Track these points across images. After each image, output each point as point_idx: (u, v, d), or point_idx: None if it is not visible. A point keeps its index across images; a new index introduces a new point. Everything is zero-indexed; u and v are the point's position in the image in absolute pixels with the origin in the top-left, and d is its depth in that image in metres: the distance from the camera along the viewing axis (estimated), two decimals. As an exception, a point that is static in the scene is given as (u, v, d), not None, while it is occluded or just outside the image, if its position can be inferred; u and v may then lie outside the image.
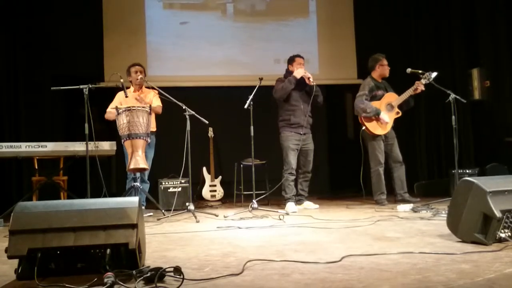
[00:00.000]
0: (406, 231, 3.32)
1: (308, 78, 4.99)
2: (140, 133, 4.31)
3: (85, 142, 4.29)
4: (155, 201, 4.89)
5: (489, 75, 6.31)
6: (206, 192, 5.89)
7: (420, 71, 4.92)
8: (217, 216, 4.47)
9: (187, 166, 4.50)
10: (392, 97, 5.12)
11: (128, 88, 4.78)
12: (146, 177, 5.00)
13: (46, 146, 4.59)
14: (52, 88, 4.54)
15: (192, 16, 6.77)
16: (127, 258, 2.23)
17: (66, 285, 2.04)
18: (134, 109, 4.32)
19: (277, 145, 5.16)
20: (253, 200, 4.71)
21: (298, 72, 5.01)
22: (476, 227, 2.68)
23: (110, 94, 5.01)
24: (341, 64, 7.00)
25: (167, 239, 3.31)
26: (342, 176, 6.81)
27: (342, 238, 3.12)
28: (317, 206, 5.08)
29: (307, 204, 5.10)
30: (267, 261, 2.45)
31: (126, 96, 4.47)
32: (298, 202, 5.09)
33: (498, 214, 2.59)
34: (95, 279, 2.08)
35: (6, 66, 5.87)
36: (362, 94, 5.07)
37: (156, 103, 4.92)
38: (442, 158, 6.67)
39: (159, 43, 6.65)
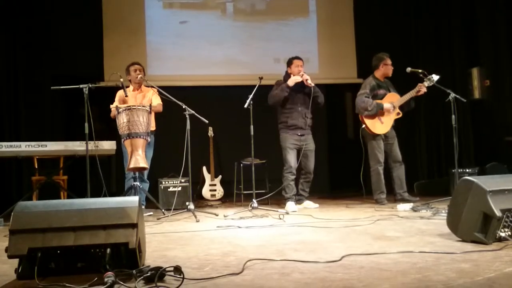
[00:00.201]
0: (406, 230, 3.32)
1: (306, 80, 4.99)
2: (140, 132, 4.30)
3: (85, 142, 4.29)
4: (155, 201, 4.89)
5: (489, 75, 6.31)
6: (206, 192, 5.89)
7: (420, 70, 4.92)
8: (217, 215, 4.47)
9: (187, 165, 4.50)
10: (393, 98, 5.11)
11: (127, 87, 4.78)
12: (145, 177, 5.00)
13: (46, 146, 4.58)
14: (52, 87, 4.55)
15: (192, 15, 6.76)
16: (127, 257, 2.23)
17: (66, 284, 2.04)
18: (134, 108, 4.32)
19: (277, 144, 5.17)
20: (253, 200, 4.72)
21: (292, 80, 4.99)
22: (476, 226, 2.68)
23: (110, 93, 5.01)
24: (341, 64, 6.99)
25: (167, 238, 3.31)
26: (342, 175, 6.81)
27: (342, 238, 3.12)
28: (317, 205, 5.08)
29: (307, 203, 5.10)
30: (267, 260, 2.45)
31: (126, 96, 4.47)
32: (298, 201, 5.09)
33: (498, 213, 2.60)
34: (95, 278, 2.08)
35: (6, 66, 5.86)
36: (363, 93, 5.07)
37: (156, 101, 4.90)
38: (442, 158, 6.67)
39: (159, 42, 6.64)
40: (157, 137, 5.13)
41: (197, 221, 4.13)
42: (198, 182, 5.97)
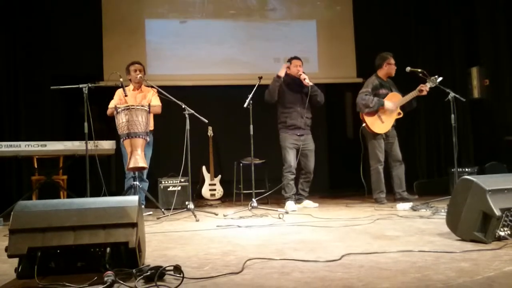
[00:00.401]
0: (405, 229, 3.32)
1: (304, 80, 5.00)
2: (139, 132, 4.29)
3: (84, 141, 4.29)
4: (155, 200, 4.90)
5: (488, 74, 6.31)
6: (205, 191, 5.89)
7: (419, 70, 4.92)
8: (216, 215, 4.48)
9: (186, 165, 4.50)
10: (395, 97, 5.11)
11: (127, 86, 4.78)
12: (144, 176, 4.99)
13: (45, 146, 4.58)
14: (51, 87, 4.55)
15: (192, 15, 6.75)
16: (127, 257, 2.23)
17: (66, 284, 2.05)
18: (133, 108, 4.31)
19: (276, 144, 5.17)
20: (253, 199, 4.72)
21: (281, 70, 5.06)
22: (475, 225, 2.69)
23: (109, 93, 5.00)
24: (340, 63, 6.99)
25: (167, 238, 3.31)
26: (341, 175, 6.82)
27: (342, 237, 3.12)
28: (316, 205, 5.09)
29: (307, 203, 5.10)
30: (267, 259, 2.45)
31: (126, 95, 4.47)
32: (298, 201, 5.09)
33: (497, 212, 2.60)
34: (95, 278, 2.08)
35: (6, 66, 5.86)
36: (365, 91, 5.06)
37: (155, 102, 4.89)
38: (442, 157, 6.68)
39: (159, 42, 6.64)
40: (157, 137, 5.12)
41: (197, 220, 4.13)
42: (198, 182, 5.96)
